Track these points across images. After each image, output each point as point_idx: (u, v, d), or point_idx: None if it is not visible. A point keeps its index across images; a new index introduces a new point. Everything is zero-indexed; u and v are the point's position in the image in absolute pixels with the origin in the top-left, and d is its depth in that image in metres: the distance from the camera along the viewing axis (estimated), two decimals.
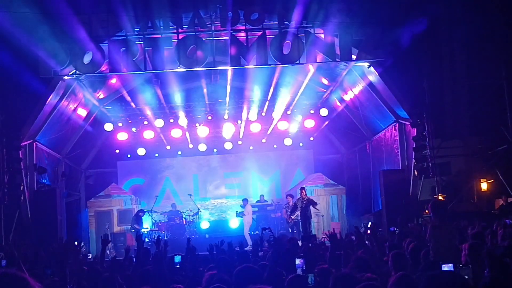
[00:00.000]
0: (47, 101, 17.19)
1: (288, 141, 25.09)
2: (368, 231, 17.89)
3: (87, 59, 16.19)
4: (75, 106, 19.55)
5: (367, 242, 10.04)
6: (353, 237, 11.50)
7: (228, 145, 24.70)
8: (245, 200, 21.41)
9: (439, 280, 2.78)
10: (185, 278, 7.60)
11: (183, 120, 22.84)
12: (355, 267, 7.17)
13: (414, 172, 18.19)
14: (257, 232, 20.93)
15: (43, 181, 18.78)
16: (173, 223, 22.42)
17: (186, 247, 10.19)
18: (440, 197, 16.60)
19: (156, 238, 9.37)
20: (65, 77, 17.10)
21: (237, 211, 21.34)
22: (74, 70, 16.64)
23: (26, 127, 17.29)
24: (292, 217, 20.47)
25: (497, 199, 17.32)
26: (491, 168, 17.60)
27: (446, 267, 5.29)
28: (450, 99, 18.13)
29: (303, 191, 20.00)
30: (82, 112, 20.39)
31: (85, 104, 20.28)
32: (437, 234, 8.18)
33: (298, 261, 6.70)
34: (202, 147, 24.72)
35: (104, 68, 16.85)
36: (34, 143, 18.26)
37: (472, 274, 5.71)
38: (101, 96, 20.65)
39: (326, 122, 23.87)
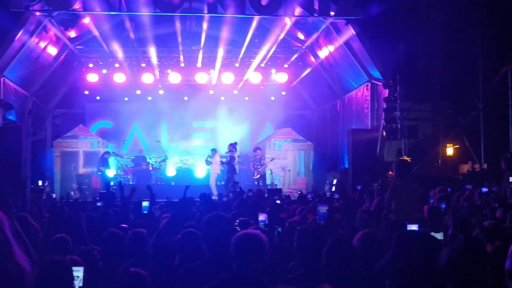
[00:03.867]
0: (17, 36, 16.75)
1: (259, 94, 25.04)
2: (333, 188, 18.15)
3: None
4: (45, 43, 19.08)
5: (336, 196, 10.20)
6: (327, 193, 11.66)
7: (199, 94, 24.48)
8: (214, 150, 21.35)
9: (411, 239, 2.80)
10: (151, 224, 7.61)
11: (155, 65, 22.60)
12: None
13: (382, 133, 18.34)
14: (223, 182, 21.01)
15: (9, 117, 18.44)
16: (139, 168, 22.38)
17: (150, 194, 10.14)
18: (405, 159, 16.81)
19: (119, 183, 9.28)
20: (37, 13, 16.66)
21: (206, 159, 21.29)
22: (46, 6, 16.22)
23: None
24: (259, 171, 20.73)
25: (462, 165, 17.64)
26: (458, 134, 17.88)
27: (411, 227, 5.37)
28: (424, 63, 18.23)
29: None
30: (52, 50, 19.90)
31: (56, 42, 19.79)
32: (398, 194, 8.24)
33: (262, 217, 6.63)
34: (173, 94, 24.53)
35: (77, 6, 16.45)
36: (2, 78, 17.83)
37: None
38: (73, 35, 20.14)
39: (300, 78, 23.81)
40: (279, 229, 5.66)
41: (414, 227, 5.56)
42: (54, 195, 16.82)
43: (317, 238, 4.57)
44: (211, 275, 4.02)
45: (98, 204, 10.19)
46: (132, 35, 20.18)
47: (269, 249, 4.00)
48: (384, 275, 2.77)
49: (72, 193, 19.70)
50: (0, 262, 2.70)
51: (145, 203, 8.61)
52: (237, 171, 20.03)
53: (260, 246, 3.97)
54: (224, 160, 20.53)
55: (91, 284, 4.15)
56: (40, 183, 18.06)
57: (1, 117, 17.86)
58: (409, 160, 16.56)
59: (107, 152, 21.59)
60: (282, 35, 19.92)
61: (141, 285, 4.09)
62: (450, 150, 18.07)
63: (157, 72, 23.21)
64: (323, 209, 7.02)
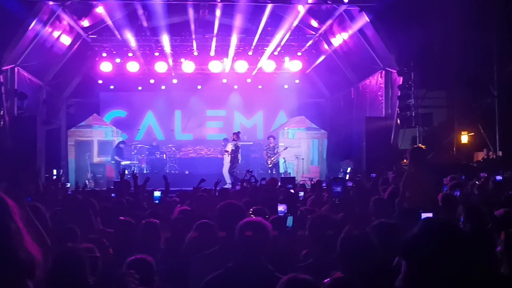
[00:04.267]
0: (30, 26, 16.79)
1: (272, 82, 24.96)
2: (347, 177, 18.09)
3: None
4: (59, 33, 19.12)
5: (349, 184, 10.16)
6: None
7: (212, 83, 24.47)
8: (226, 140, 21.42)
9: (434, 226, 2.74)
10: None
11: (168, 54, 22.58)
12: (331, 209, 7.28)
13: (397, 120, 18.23)
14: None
15: (23, 107, 18.53)
16: (154, 157, 22.43)
17: (165, 183, 10.15)
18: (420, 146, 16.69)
19: (133, 172, 9.22)
20: (50, 2, 16.68)
21: (221, 148, 21.41)
22: None
23: (8, 51, 16.91)
24: (272, 159, 20.71)
25: (477, 152, 17.49)
26: (472, 121, 17.72)
27: (426, 215, 5.32)
28: (439, 49, 18.03)
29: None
30: (66, 40, 19.96)
31: (69, 32, 19.84)
32: (413, 182, 8.18)
33: (281, 207, 6.64)
34: (186, 83, 24.51)
35: None
36: (16, 68, 17.91)
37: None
38: (86, 24, 20.19)
39: (313, 65, 23.68)
40: (291, 218, 5.64)
41: (428, 215, 5.50)
42: (68, 185, 16.90)
43: (329, 226, 4.55)
44: (224, 263, 4.01)
45: (112, 195, 10.19)
46: (145, 24, 20.17)
47: (280, 237, 3.98)
48: (402, 252, 2.72)
49: (86, 182, 19.83)
50: (11, 251, 2.71)
51: (157, 193, 8.54)
52: (239, 161, 19.90)
53: (263, 233, 3.96)
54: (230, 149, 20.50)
55: (101, 272, 4.15)
56: (54, 172, 18.18)
57: (15, 106, 17.96)
58: (424, 148, 16.46)
59: (122, 142, 21.68)
60: (296, 23, 19.82)
61: (148, 271, 4.08)
62: (465, 138, 17.93)
63: (170, 61, 23.19)
64: (337, 188, 7.16)
